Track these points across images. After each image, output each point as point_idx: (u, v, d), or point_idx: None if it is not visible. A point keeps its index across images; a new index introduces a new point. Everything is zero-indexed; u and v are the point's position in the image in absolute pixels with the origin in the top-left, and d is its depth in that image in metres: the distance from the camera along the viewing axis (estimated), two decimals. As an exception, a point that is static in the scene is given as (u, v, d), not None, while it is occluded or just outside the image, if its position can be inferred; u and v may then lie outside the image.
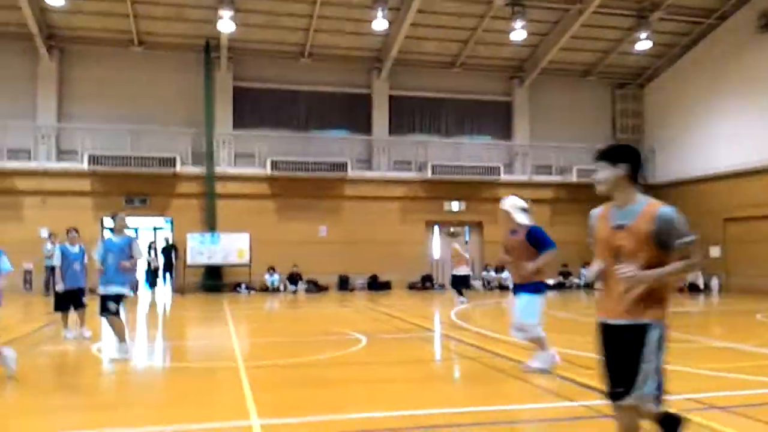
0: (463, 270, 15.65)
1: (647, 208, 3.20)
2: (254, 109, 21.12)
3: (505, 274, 21.02)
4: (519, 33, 20.18)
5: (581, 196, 22.27)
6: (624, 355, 3.21)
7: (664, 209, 3.17)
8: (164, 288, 20.31)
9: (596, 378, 3.54)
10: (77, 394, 6.23)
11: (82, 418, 5.20)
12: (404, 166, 21.87)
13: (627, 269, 3.12)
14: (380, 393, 6.03)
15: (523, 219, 6.71)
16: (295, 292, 19.74)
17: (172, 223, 20.33)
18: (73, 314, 9.62)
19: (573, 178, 22.05)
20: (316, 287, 20.03)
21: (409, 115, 22.41)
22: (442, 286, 21.14)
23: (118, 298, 7.87)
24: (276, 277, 19.91)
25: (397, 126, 22.26)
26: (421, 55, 21.97)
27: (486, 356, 7.95)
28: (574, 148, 22.46)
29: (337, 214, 20.95)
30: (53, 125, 19.61)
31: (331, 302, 17.14)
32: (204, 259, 19.34)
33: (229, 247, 19.38)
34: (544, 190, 22.35)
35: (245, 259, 19.34)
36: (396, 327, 11.31)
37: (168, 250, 19.58)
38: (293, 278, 20.06)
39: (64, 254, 9.51)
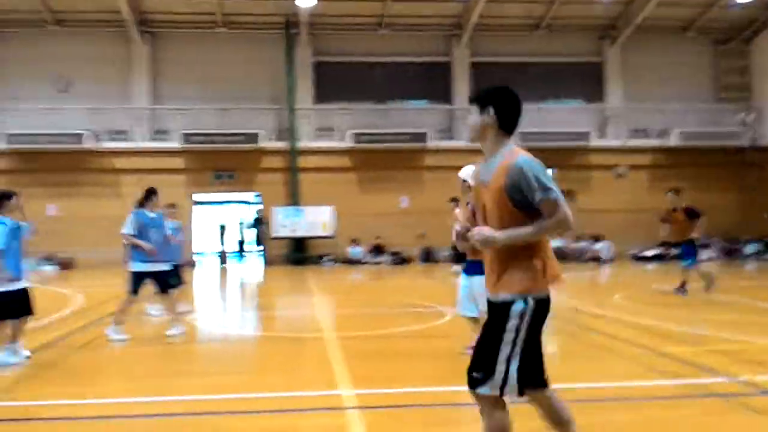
0: None
1: (504, 160, 2.65)
2: (334, 82, 21.20)
3: (600, 245, 19.91)
4: (610, -12, 18.97)
5: (683, 161, 20.70)
6: (486, 335, 2.73)
7: (518, 160, 2.60)
8: (253, 260, 20.93)
9: (701, 354, 3.02)
10: (174, 362, 6.41)
11: (177, 385, 5.31)
12: (486, 134, 21.16)
13: (478, 231, 2.57)
14: (464, 366, 5.67)
15: None
16: (378, 263, 19.67)
17: (260, 196, 20.83)
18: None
19: (673, 141, 20.43)
20: (399, 259, 19.86)
21: (491, 82, 20.93)
22: (530, 258, 20.27)
23: (168, 275, 7.53)
24: (359, 249, 19.93)
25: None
26: (503, 18, 21.09)
27: (580, 331, 7.46)
28: (673, 110, 20.81)
29: (419, 185, 20.65)
30: (147, 106, 20.64)
31: (415, 274, 16.90)
32: (288, 232, 19.70)
33: (313, 220, 19.60)
34: (641, 155, 20.92)
35: (329, 231, 19.50)
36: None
37: (257, 224, 20.10)
38: (376, 250, 20.00)
39: (175, 229, 9.02)
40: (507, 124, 2.75)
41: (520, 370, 2.63)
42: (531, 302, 2.64)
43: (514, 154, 2.66)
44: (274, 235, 19.59)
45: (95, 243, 18.20)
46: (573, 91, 22.01)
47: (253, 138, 19.68)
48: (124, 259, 7.70)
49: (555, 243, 17.95)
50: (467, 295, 5.77)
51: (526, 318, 2.63)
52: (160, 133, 20.59)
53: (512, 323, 2.63)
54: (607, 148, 20.80)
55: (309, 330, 7.97)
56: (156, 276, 7.33)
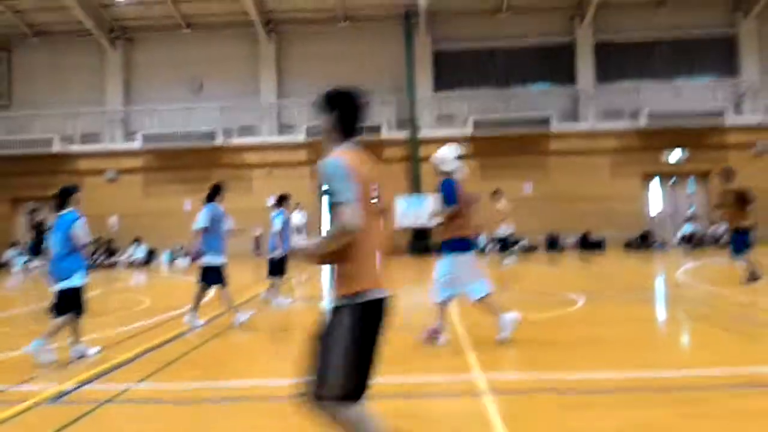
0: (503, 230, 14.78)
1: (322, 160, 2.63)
2: (454, 70, 21.23)
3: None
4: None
5: (834, 138, 19.13)
6: (317, 341, 2.68)
7: (326, 160, 2.57)
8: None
9: None
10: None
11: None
12: (614, 115, 20.44)
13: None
14: (607, 352, 5.62)
15: (448, 168, 5.98)
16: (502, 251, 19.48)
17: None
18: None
19: (821, 117, 18.89)
20: (524, 246, 19.58)
21: (617, 61, 20.84)
22: (664, 245, 19.43)
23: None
24: (482, 237, 19.82)
25: (603, 74, 20.85)
26: (628, -5, 20.29)
27: (718, 316, 7.15)
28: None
29: (543, 171, 20.27)
30: (274, 102, 21.50)
31: (541, 262, 16.61)
32: (411, 222, 19.91)
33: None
34: (782, 132, 19.49)
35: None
36: (614, 287, 10.49)
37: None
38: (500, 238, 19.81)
39: (285, 221, 9.45)
40: (347, 126, 2.81)
41: (345, 377, 2.57)
42: (351, 308, 2.61)
43: (332, 154, 2.67)
44: (397, 225, 19.86)
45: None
46: (704, 66, 20.81)
47: (375, 129, 20.02)
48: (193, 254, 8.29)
49: (688, 228, 16.98)
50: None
51: (348, 324, 2.59)
52: (286, 128, 21.41)
53: (337, 330, 2.61)
54: (743, 127, 19.51)
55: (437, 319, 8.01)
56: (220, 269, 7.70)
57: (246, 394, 4.70)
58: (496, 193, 14.82)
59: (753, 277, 9.22)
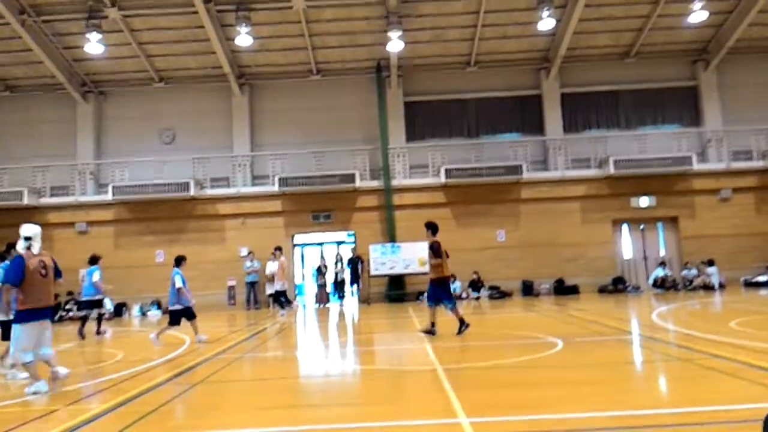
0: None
1: None
2: (425, 121, 21.66)
3: (709, 271, 19.04)
4: (699, 14, 18.89)
5: (794, 181, 19.79)
6: None
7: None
8: (351, 298, 21.08)
9: None
10: (284, 394, 6.59)
11: (286, 416, 5.45)
12: (582, 163, 20.95)
13: None
14: (587, 394, 5.62)
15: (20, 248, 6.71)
16: (477, 298, 19.42)
17: (354, 236, 21.15)
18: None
19: (779, 162, 19.57)
20: (499, 293, 19.55)
21: (584, 111, 21.56)
22: (637, 289, 19.57)
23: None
24: (458, 284, 19.74)
25: (571, 123, 21.51)
26: (592, 49, 21.14)
27: (697, 356, 7.21)
28: (775, 130, 20.05)
29: (515, 218, 20.46)
30: (247, 154, 21.56)
31: (517, 307, 16.53)
32: (386, 270, 19.80)
33: (410, 257, 19.66)
34: (746, 177, 20.11)
35: (426, 267, 19.42)
36: (592, 330, 10.48)
37: (354, 262, 20.33)
38: (475, 285, 19.78)
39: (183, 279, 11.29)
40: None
41: None
42: None
43: None
44: (372, 273, 19.74)
45: (201, 287, 18.77)
46: (668, 115, 21.60)
47: (348, 178, 20.13)
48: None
49: (660, 272, 17.31)
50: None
51: None
52: (259, 178, 21.40)
53: None
54: (710, 172, 20.11)
55: (418, 363, 7.98)
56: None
57: None
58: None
59: None
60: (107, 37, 18.90)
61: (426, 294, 10.54)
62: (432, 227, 10.52)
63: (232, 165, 21.44)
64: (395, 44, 19.12)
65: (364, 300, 20.14)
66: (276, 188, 20.30)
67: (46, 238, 21.24)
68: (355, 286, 20.56)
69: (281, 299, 16.66)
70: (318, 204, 20.72)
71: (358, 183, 20.20)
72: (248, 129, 21.80)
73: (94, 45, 18.53)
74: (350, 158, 21.03)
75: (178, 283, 11.04)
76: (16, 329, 6.49)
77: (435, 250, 10.10)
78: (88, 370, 8.66)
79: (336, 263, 20.64)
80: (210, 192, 20.97)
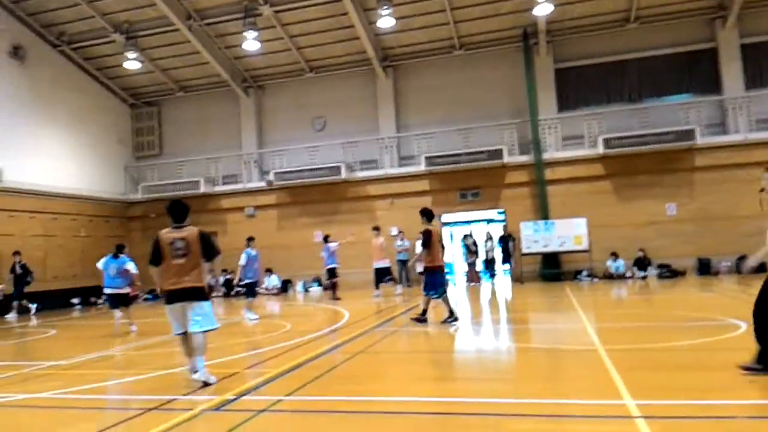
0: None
1: None
2: (579, 88, 20.20)
3: None
4: None
5: None
6: None
7: None
8: (503, 277, 20.53)
9: None
10: (439, 367, 6.93)
11: (442, 388, 5.71)
12: (769, 124, 18.13)
13: None
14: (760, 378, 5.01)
15: None
16: (644, 278, 17.80)
17: (504, 213, 20.50)
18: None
19: None
20: (669, 272, 17.75)
21: None
22: None
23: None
24: (620, 262, 18.29)
25: (755, 78, 18.67)
26: (780, -12, 18.09)
27: None
28: None
29: (688, 189, 18.36)
30: (394, 135, 21.80)
31: (691, 287, 14.86)
32: (539, 248, 18.92)
33: (565, 234, 18.56)
34: None
35: (583, 245, 18.27)
36: None
37: (505, 240, 19.71)
38: (641, 263, 18.14)
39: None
40: None
41: None
42: None
43: None
44: (524, 251, 18.98)
45: (353, 264, 19.43)
46: None
47: (496, 154, 19.48)
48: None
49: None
50: None
51: None
52: (406, 159, 21.56)
53: None
54: None
55: (575, 342, 7.63)
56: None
57: (389, 409, 4.95)
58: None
59: None
60: (262, 34, 20.09)
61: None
62: (427, 214, 10.35)
63: (379, 147, 21.83)
64: (543, 8, 17.94)
65: (517, 279, 19.47)
66: (422, 168, 20.29)
67: (221, 222, 23.50)
68: (507, 264, 19.95)
69: (384, 278, 16.74)
70: (465, 182, 20.35)
71: (506, 158, 19.47)
72: (393, 111, 21.99)
73: (251, 42, 19.83)
74: (497, 134, 20.30)
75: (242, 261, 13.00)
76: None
77: (424, 240, 10.01)
78: (263, 339, 9.62)
79: (486, 242, 20.18)
80: (360, 174, 21.58)
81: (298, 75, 23.09)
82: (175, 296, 5.96)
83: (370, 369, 6.81)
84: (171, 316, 6.10)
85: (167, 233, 6.07)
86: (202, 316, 5.95)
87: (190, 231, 6.07)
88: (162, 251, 6.01)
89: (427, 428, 4.48)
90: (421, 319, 10.06)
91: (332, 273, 16.74)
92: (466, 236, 20.21)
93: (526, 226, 19.05)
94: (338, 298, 16.29)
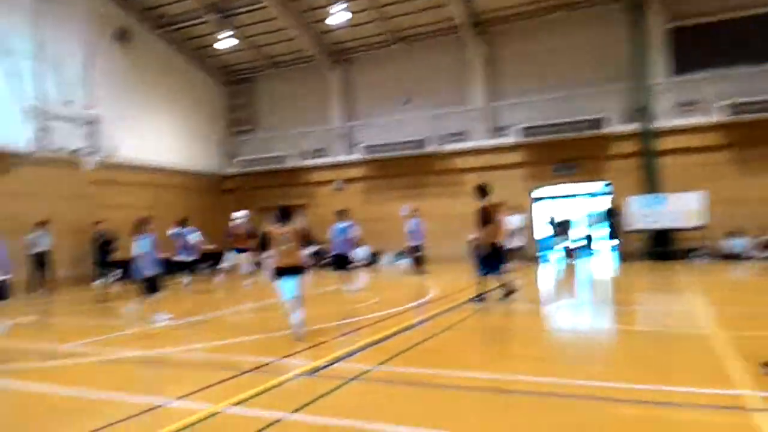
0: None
1: None
2: (695, 49, 18.11)
3: None
4: None
5: None
6: None
7: None
8: (605, 256, 19.12)
9: None
10: (531, 346, 6.73)
11: (533, 367, 5.51)
12: None
13: None
14: None
15: None
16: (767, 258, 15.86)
17: (611, 185, 18.97)
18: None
19: None
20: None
21: None
22: None
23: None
24: (742, 241, 16.40)
25: None
26: None
27: None
28: None
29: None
30: (481, 106, 20.76)
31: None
32: (649, 223, 17.35)
33: (679, 209, 16.89)
34: None
35: (699, 221, 16.52)
36: None
37: (609, 216, 18.25)
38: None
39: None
40: None
41: None
42: None
43: None
44: (628, 227, 17.49)
45: (440, 238, 18.78)
46: None
47: (596, 123, 18.01)
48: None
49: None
50: None
51: None
52: (498, 130, 20.51)
53: None
54: None
55: (685, 326, 7.20)
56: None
57: (480, 386, 4.93)
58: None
59: None
60: (350, 5, 19.66)
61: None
62: (481, 190, 9.72)
63: (469, 119, 20.89)
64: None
65: (622, 257, 18.00)
66: (513, 139, 19.18)
67: (311, 195, 23.68)
68: (614, 240, 18.46)
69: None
70: (562, 153, 19.04)
71: (609, 128, 17.94)
72: (484, 80, 20.90)
73: (339, 15, 19.46)
74: (599, 100, 18.73)
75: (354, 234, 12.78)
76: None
77: (482, 218, 9.47)
78: (353, 309, 9.72)
79: (588, 217, 18.79)
80: (448, 147, 20.82)
81: (384, 47, 22.49)
82: (283, 271, 7.35)
83: (455, 344, 6.77)
84: (279, 286, 7.40)
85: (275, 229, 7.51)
86: (299, 286, 7.36)
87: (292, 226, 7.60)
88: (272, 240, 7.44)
89: (522, 408, 4.33)
90: (511, 291, 9.64)
91: (416, 248, 16.16)
92: (553, 219, 18.80)
93: (633, 201, 17.52)
94: (425, 272, 15.77)
